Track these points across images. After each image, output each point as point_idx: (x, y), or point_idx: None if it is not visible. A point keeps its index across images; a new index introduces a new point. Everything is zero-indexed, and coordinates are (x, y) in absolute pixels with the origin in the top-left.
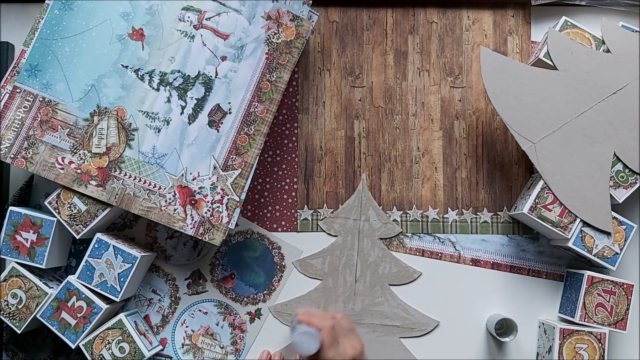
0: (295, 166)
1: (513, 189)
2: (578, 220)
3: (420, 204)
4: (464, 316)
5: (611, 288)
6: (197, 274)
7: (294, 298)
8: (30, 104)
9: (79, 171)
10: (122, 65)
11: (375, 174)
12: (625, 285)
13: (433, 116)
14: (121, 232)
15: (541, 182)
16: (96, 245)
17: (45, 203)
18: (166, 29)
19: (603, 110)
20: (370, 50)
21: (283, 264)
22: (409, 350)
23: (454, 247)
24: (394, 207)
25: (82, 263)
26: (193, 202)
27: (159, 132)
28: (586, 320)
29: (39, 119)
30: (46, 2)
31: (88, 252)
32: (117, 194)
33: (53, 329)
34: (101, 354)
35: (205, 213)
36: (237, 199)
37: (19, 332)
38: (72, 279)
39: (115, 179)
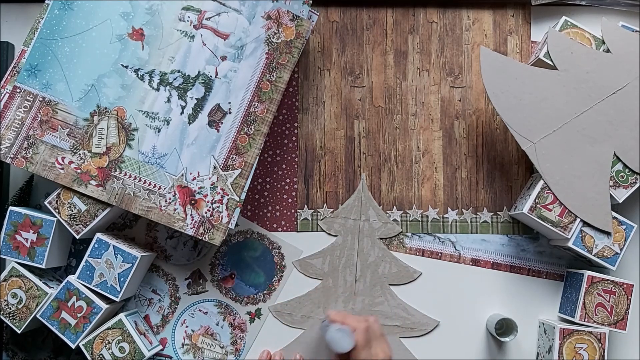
0: (295, 166)
1: (513, 188)
2: (578, 220)
3: (420, 203)
4: (464, 316)
5: (611, 288)
6: (197, 274)
7: (294, 298)
8: (30, 103)
9: (79, 171)
10: (122, 65)
11: (375, 174)
12: (625, 285)
13: (433, 116)
14: (121, 232)
15: (541, 182)
16: (96, 245)
17: (45, 203)
18: (166, 28)
19: (603, 110)
20: (370, 50)
21: (283, 263)
22: (409, 350)
23: (454, 247)
24: (394, 207)
25: (82, 263)
26: (193, 202)
27: (159, 132)
28: (586, 320)
29: (39, 119)
30: (46, 2)
31: (88, 252)
32: (117, 194)
33: (53, 329)
34: (101, 354)
35: (205, 213)
36: (237, 199)
37: (19, 332)
38: (72, 278)
39: (115, 179)
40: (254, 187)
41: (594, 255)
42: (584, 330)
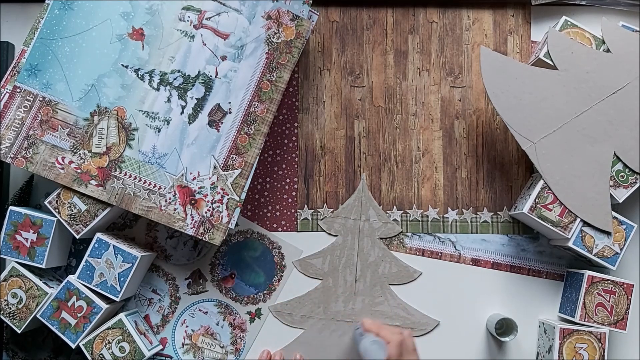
0: (295, 166)
1: (513, 188)
2: (578, 220)
3: (421, 203)
4: (464, 316)
5: (611, 288)
6: (197, 273)
7: (294, 298)
8: (30, 103)
9: (79, 171)
10: (122, 65)
11: (376, 174)
12: (625, 285)
13: (433, 116)
14: (121, 231)
15: (541, 182)
16: (96, 245)
17: (45, 203)
18: (166, 28)
19: (603, 110)
20: (370, 50)
21: (283, 263)
22: None
23: (454, 246)
24: (394, 206)
25: (82, 263)
26: (193, 201)
27: (159, 131)
28: (586, 320)
29: (39, 119)
30: (46, 2)
31: (88, 252)
32: (117, 194)
33: (53, 328)
34: (101, 354)
35: (205, 213)
36: (237, 199)
37: (19, 331)
38: (72, 278)
39: (115, 179)
40: (254, 187)
41: (594, 255)
42: (584, 330)
